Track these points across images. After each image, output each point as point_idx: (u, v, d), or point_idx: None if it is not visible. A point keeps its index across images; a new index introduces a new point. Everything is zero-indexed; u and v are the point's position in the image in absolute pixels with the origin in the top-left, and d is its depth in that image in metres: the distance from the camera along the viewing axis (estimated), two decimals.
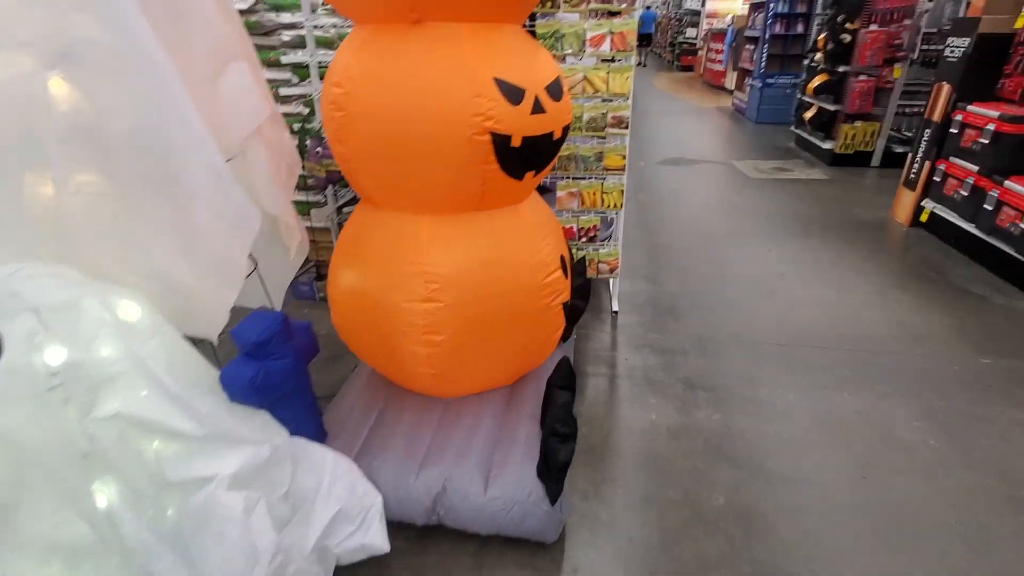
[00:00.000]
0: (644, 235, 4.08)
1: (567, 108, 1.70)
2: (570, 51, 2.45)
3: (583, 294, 2.30)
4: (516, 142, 1.52)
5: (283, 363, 1.53)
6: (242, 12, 2.94)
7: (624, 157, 2.61)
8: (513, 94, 1.48)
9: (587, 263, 2.81)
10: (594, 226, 2.75)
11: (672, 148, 6.78)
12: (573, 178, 2.70)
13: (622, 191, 2.67)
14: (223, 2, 1.57)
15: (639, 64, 15.76)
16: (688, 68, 14.44)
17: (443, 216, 1.65)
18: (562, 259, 1.87)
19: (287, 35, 2.93)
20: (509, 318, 1.73)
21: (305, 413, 1.67)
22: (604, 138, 2.61)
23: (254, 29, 2.92)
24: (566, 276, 1.88)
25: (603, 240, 2.84)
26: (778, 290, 3.23)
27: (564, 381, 1.66)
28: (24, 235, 1.44)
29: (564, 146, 2.61)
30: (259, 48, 3.25)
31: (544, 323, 1.83)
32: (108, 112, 1.36)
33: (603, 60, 2.52)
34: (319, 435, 1.75)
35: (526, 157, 1.59)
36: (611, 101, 2.52)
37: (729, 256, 3.70)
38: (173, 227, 1.46)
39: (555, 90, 1.63)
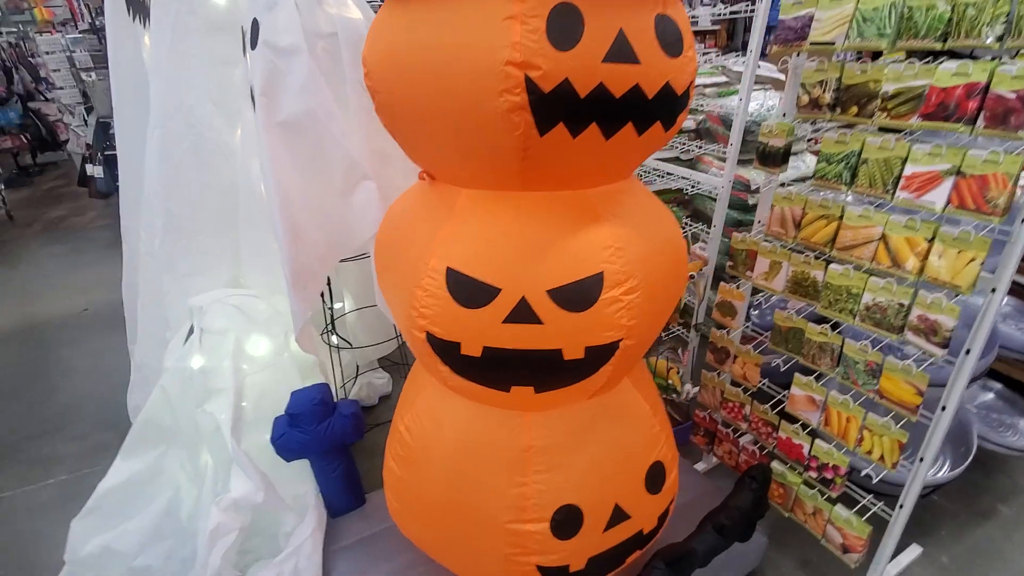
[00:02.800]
0: None
1: (603, 322, 1.10)
2: (870, 189, 1.43)
3: (686, 565, 1.48)
4: (471, 351, 1.13)
5: (302, 438, 1.74)
6: None
7: (922, 395, 1.38)
8: (470, 293, 1.09)
9: (811, 515, 1.72)
10: (836, 466, 1.62)
11: None
12: (825, 382, 1.64)
13: (900, 444, 1.45)
14: (372, 137, 1.79)
15: None
16: None
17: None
18: (571, 512, 1.28)
19: None
20: (464, 531, 1.37)
21: (331, 484, 1.86)
22: (904, 343, 1.45)
23: None
24: (565, 537, 1.29)
25: (857, 489, 1.65)
26: None
27: None
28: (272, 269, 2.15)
29: (819, 328, 1.62)
30: None
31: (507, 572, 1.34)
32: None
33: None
34: (347, 503, 1.91)
35: (499, 370, 1.16)
36: (927, 291, 1.35)
37: None
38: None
39: (575, 295, 1.07)
